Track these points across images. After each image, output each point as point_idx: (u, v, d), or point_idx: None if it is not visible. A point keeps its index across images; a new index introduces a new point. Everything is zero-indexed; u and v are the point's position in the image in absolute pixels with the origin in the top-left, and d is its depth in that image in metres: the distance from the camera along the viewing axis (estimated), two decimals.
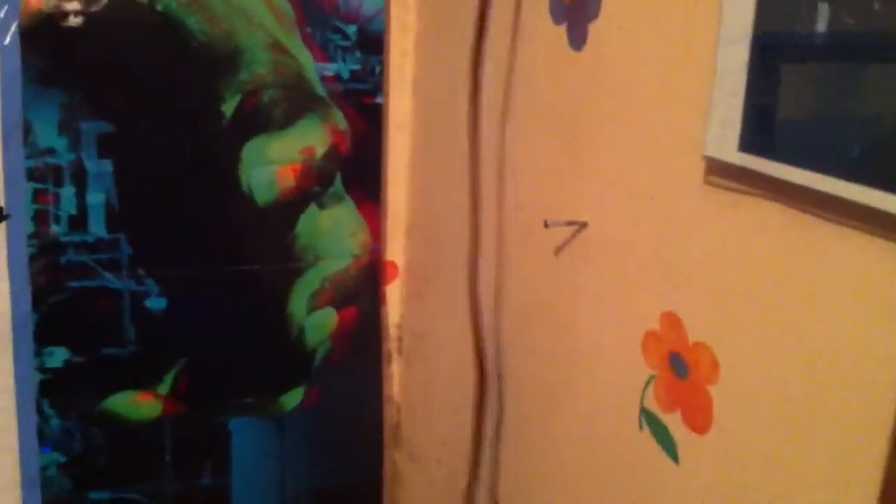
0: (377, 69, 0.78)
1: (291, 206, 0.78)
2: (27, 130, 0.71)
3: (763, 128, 0.41)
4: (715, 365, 0.46)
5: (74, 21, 0.70)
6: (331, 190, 0.80)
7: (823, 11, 0.36)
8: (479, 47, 0.64)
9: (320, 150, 0.78)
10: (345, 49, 0.77)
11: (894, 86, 0.34)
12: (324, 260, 0.81)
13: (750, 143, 0.41)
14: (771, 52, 0.39)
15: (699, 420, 0.48)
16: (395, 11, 0.79)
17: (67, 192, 0.73)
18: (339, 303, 0.82)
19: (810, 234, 0.39)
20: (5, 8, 0.68)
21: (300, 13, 0.76)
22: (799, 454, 0.41)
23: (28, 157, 0.71)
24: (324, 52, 0.77)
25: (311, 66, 0.76)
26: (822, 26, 0.36)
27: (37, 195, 0.73)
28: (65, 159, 0.72)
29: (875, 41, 0.35)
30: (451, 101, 0.73)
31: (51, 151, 0.72)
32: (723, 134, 0.43)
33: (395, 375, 0.88)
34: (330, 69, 0.77)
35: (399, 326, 0.87)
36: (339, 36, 0.77)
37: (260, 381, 0.82)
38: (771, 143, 0.40)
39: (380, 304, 0.85)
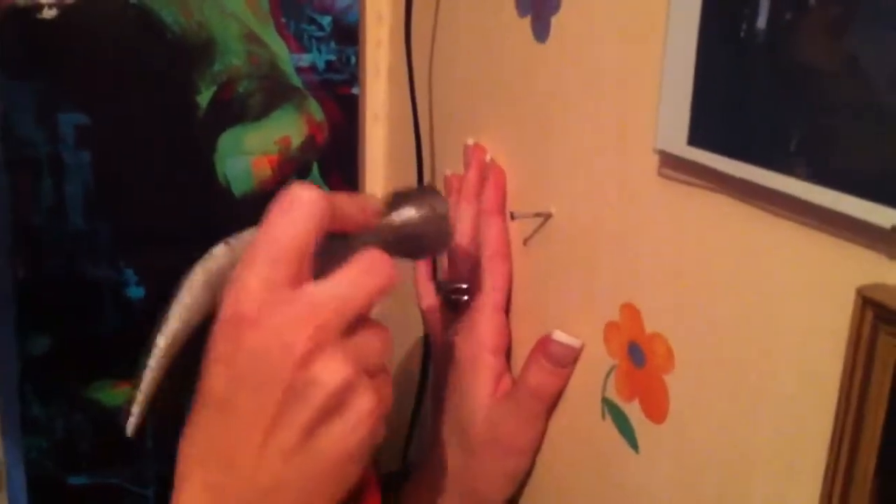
0: (352, 60, 0.79)
1: (268, 196, 0.78)
2: (4, 122, 0.72)
3: (710, 122, 0.41)
4: (670, 355, 0.47)
5: (49, 13, 0.70)
6: (308, 180, 0.80)
7: (765, 4, 0.37)
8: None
9: (297, 141, 0.78)
10: (319, 40, 0.78)
11: (829, 82, 0.34)
12: None
13: (697, 137, 0.41)
14: (716, 46, 0.40)
15: (656, 409, 0.49)
16: (369, 2, 0.79)
17: (46, 183, 0.74)
18: None
19: (759, 228, 0.40)
20: None
21: (274, 4, 0.76)
22: (750, 441, 0.42)
23: (5, 149, 0.72)
24: (299, 42, 0.77)
25: (286, 57, 0.77)
26: (762, 21, 0.37)
27: (15, 186, 0.73)
28: (42, 151, 0.73)
29: (814, 35, 0.35)
30: (424, 92, 0.73)
31: (28, 143, 0.73)
32: (672, 127, 0.43)
33: None
34: (305, 60, 0.78)
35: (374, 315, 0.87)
36: (313, 27, 0.77)
37: None
38: (717, 138, 0.41)
39: None
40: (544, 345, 0.56)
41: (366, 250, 0.45)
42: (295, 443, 0.41)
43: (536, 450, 0.60)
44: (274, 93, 0.77)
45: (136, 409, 0.44)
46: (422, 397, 0.72)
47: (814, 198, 0.35)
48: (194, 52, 0.74)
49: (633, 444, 0.51)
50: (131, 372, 0.80)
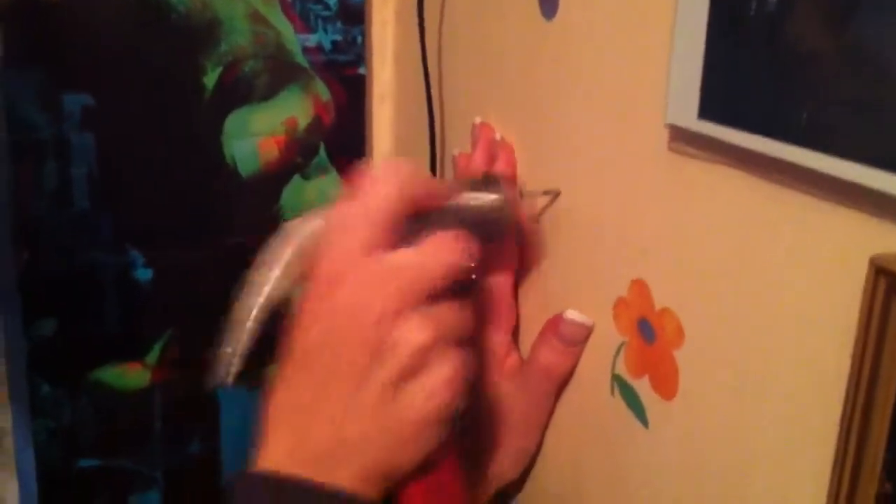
0: (359, 40, 0.79)
1: (275, 177, 0.79)
2: (8, 106, 0.71)
3: (721, 94, 0.41)
4: (680, 331, 0.47)
5: None
6: (315, 161, 0.80)
7: None
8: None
9: (303, 122, 0.78)
10: (325, 19, 0.77)
11: (841, 53, 0.34)
12: None
13: (709, 109, 0.41)
14: (727, 18, 0.39)
15: (667, 385, 0.49)
16: None
17: (50, 166, 0.73)
18: None
19: (770, 201, 0.40)
20: None
21: None
22: (759, 415, 0.42)
23: (10, 132, 0.72)
24: (304, 22, 0.77)
25: (292, 37, 0.76)
26: None
27: (19, 170, 0.73)
28: (47, 134, 0.73)
29: (825, 6, 0.35)
30: (433, 71, 0.73)
31: (33, 126, 0.72)
32: (683, 101, 0.43)
33: None
34: (311, 40, 0.77)
35: None
36: (319, 6, 0.77)
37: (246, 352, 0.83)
38: (729, 110, 0.40)
39: None
40: (555, 325, 0.56)
41: (443, 229, 0.47)
42: (379, 398, 0.42)
43: (545, 427, 0.60)
44: (280, 73, 0.77)
45: (236, 361, 0.47)
46: None
47: (826, 168, 0.35)
48: (199, 32, 0.74)
49: (643, 419, 0.51)
50: (139, 354, 0.81)
